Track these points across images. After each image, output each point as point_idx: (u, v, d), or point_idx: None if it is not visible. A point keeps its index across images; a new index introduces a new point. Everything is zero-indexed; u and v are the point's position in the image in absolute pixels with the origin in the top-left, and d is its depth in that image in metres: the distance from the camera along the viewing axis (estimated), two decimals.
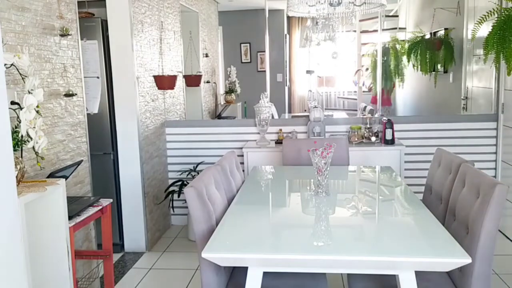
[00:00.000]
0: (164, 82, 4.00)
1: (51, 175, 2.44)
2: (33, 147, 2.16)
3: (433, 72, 5.44)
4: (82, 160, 3.01)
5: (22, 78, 2.15)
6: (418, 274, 1.85)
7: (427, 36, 5.71)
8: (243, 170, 3.85)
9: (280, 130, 4.17)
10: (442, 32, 5.28)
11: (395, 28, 6.98)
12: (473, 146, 4.10)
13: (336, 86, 8.44)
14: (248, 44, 8.28)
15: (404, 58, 6.08)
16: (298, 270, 2.06)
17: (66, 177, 2.46)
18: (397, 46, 6.31)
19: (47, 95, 2.70)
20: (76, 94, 3.00)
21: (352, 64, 7.54)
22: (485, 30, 3.34)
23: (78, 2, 3.09)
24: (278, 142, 4.07)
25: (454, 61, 4.99)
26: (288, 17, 8.25)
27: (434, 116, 4.70)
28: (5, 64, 2.00)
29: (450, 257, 1.71)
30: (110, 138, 3.82)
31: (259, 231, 2.10)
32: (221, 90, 7.16)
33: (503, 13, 3.15)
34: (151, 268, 3.56)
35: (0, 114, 1.30)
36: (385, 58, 6.28)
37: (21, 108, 2.07)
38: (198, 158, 4.33)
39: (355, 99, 7.54)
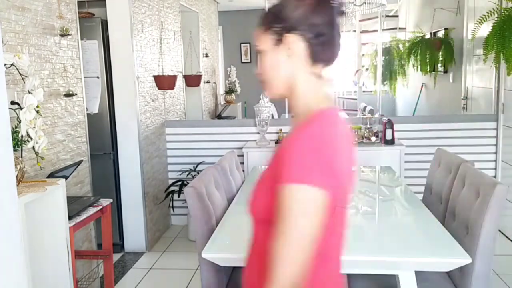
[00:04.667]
0: (164, 82, 3.99)
1: (51, 175, 2.44)
2: (33, 147, 2.16)
3: (433, 72, 5.44)
4: (82, 160, 3.01)
5: (22, 78, 2.15)
6: (418, 274, 1.85)
7: (427, 36, 5.71)
8: (243, 170, 3.85)
9: (280, 130, 4.17)
10: (442, 32, 5.28)
11: (395, 28, 6.98)
12: (473, 146, 4.10)
13: (336, 86, 8.43)
14: (248, 44, 8.28)
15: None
16: None
17: (66, 177, 2.46)
18: (400, 46, 6.31)
19: (47, 95, 2.70)
20: (76, 94, 3.00)
21: (352, 64, 7.54)
22: (485, 30, 3.34)
23: (78, 2, 3.09)
24: (278, 142, 4.07)
25: (454, 61, 4.99)
26: None
27: (434, 116, 4.69)
28: (5, 64, 2.00)
29: (450, 257, 1.71)
30: (110, 138, 3.81)
31: None
32: (221, 90, 7.16)
33: (503, 13, 3.15)
34: (151, 268, 3.56)
35: (0, 114, 1.30)
36: (386, 58, 6.28)
37: (21, 108, 2.07)
38: (198, 158, 4.33)
39: (355, 99, 7.54)
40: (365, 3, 2.88)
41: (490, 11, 3.24)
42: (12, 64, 2.08)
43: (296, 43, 1.04)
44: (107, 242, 2.81)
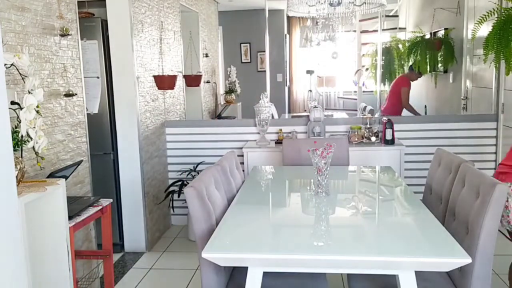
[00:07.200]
0: (164, 82, 4.00)
1: (51, 175, 2.44)
2: (33, 147, 2.16)
3: (433, 72, 5.43)
4: (82, 160, 3.01)
5: (22, 78, 2.15)
6: (418, 274, 1.85)
7: (427, 36, 5.71)
8: (243, 170, 3.85)
9: (280, 130, 4.17)
10: (442, 32, 5.28)
11: (395, 28, 6.99)
12: (473, 146, 4.10)
13: (336, 86, 8.44)
14: (248, 44, 8.27)
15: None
16: (298, 270, 2.06)
17: (66, 177, 2.46)
18: (400, 46, 6.31)
19: (47, 95, 2.70)
20: (76, 94, 3.00)
21: (352, 64, 7.54)
22: (485, 30, 3.34)
23: (78, 2, 3.09)
24: (278, 142, 4.07)
25: (454, 61, 4.99)
26: (288, 17, 8.25)
27: (434, 116, 4.70)
28: (5, 64, 2.00)
29: (450, 257, 1.71)
30: (110, 138, 3.82)
31: (259, 231, 2.10)
32: (221, 90, 7.16)
33: (503, 13, 3.14)
34: (151, 268, 3.56)
35: (0, 114, 1.30)
36: (386, 58, 6.28)
37: (21, 108, 2.07)
38: (198, 158, 4.33)
39: (355, 99, 7.54)
40: (365, 3, 2.87)
41: (490, 11, 3.24)
42: (12, 64, 2.08)
43: None
44: (107, 242, 2.82)
